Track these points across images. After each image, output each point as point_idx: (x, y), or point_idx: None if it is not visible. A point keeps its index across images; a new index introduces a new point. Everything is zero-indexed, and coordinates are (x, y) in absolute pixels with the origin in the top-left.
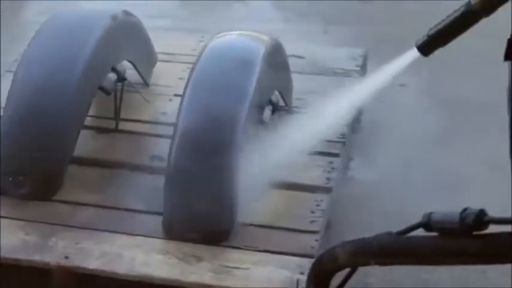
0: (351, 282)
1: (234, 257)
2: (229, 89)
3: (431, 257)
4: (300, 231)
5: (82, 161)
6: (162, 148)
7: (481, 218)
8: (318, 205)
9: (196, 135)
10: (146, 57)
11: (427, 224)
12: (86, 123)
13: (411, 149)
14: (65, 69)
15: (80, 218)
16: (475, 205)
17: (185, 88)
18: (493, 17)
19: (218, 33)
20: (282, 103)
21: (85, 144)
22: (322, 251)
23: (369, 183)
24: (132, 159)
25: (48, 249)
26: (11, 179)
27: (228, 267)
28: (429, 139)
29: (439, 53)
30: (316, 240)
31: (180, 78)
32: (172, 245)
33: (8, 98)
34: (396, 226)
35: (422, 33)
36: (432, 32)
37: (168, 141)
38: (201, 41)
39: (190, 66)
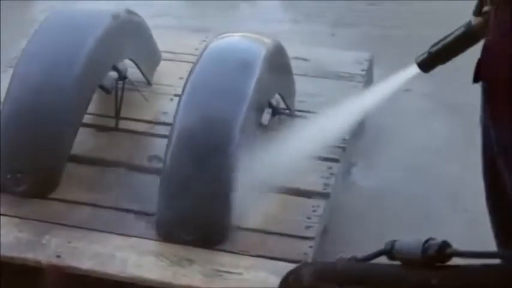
0: None
1: (226, 261)
2: (228, 90)
3: (392, 286)
4: (294, 236)
5: (80, 159)
6: (161, 148)
7: (443, 250)
8: (314, 211)
9: (193, 137)
10: (149, 56)
11: (390, 252)
12: (86, 121)
13: (415, 155)
14: (64, 67)
15: (75, 217)
16: (478, 215)
17: (183, 89)
18: None
19: (219, 34)
20: (283, 106)
21: (85, 142)
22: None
23: (370, 189)
24: (130, 159)
25: (40, 247)
26: (9, 176)
27: (220, 271)
28: (434, 146)
29: None
30: (311, 247)
31: (182, 78)
32: (166, 247)
33: (6, 95)
34: (394, 235)
35: (430, 36)
36: (433, 49)
37: None
38: (204, 41)
39: None
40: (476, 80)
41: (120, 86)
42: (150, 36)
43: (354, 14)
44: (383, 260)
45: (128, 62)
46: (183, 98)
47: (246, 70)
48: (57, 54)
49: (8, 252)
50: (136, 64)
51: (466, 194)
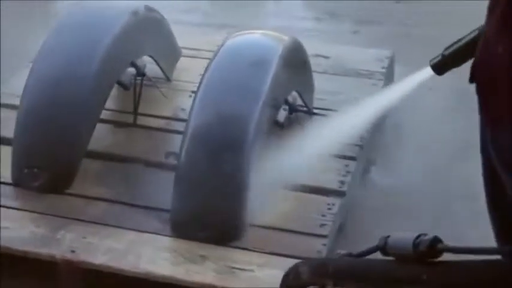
0: None
1: (239, 258)
2: (243, 87)
3: (384, 282)
4: (308, 234)
5: (98, 155)
6: (179, 145)
7: (434, 246)
8: (329, 209)
9: (207, 133)
10: (168, 53)
11: (383, 248)
12: (104, 117)
13: (435, 155)
14: (82, 63)
15: (91, 212)
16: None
17: (199, 85)
18: None
19: (238, 31)
20: (301, 103)
21: (102, 138)
22: (290, 267)
23: (388, 188)
24: (147, 155)
25: (55, 242)
26: (26, 171)
27: (232, 268)
28: (455, 146)
29: None
30: (324, 245)
31: (201, 75)
32: (180, 244)
33: (24, 90)
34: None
35: (453, 35)
36: (447, 52)
37: None
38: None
39: None
40: (472, 80)
41: (138, 82)
42: (170, 33)
43: (377, 12)
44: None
45: (147, 59)
46: (199, 94)
47: (261, 67)
48: (75, 50)
49: (22, 247)
50: (155, 60)
51: (483, 194)
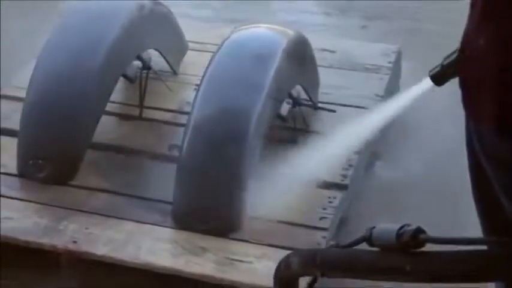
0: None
1: (239, 249)
2: (245, 80)
3: (369, 272)
4: (308, 227)
5: (103, 147)
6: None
7: (416, 237)
8: (330, 202)
9: (209, 126)
10: (175, 47)
11: (369, 239)
12: (111, 110)
13: (441, 151)
14: (87, 56)
15: (94, 203)
16: None
17: (202, 78)
18: None
19: (243, 25)
20: (305, 97)
21: (108, 130)
22: (282, 258)
23: (392, 183)
24: (151, 148)
25: (57, 233)
26: (30, 162)
27: (232, 259)
28: (458, 142)
29: None
30: (324, 237)
31: None
32: (180, 235)
33: (30, 83)
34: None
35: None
36: (445, 62)
37: None
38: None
39: None
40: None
41: (144, 75)
42: (177, 27)
43: (388, 8)
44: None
45: (153, 52)
46: (201, 87)
47: (264, 61)
48: (81, 43)
49: (25, 237)
50: (161, 54)
51: None
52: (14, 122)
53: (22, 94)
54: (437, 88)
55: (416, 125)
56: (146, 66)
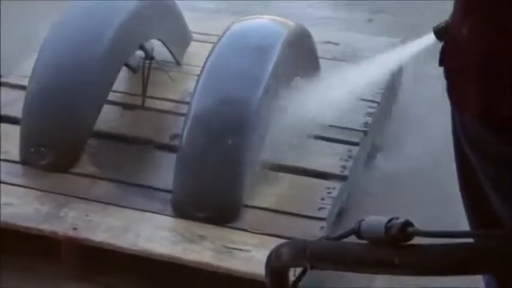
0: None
1: (237, 238)
2: (244, 72)
3: (358, 265)
4: (306, 217)
5: (105, 136)
6: None
7: (405, 230)
8: (329, 192)
9: (209, 116)
10: (178, 37)
11: (357, 231)
12: (114, 99)
13: (442, 143)
14: (89, 46)
15: (94, 191)
16: None
17: (202, 68)
18: None
19: (244, 17)
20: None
21: (110, 119)
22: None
23: (393, 174)
24: (153, 137)
25: (58, 219)
26: (32, 150)
27: (229, 248)
28: None
29: None
30: (322, 227)
31: None
32: (179, 223)
33: (33, 71)
34: (415, 221)
35: None
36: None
37: None
38: None
39: None
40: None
41: (146, 65)
42: (180, 18)
43: (394, 3)
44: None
45: (158, 43)
46: (201, 77)
47: (264, 52)
48: (83, 32)
49: (26, 223)
50: (164, 44)
51: None
52: (16, 109)
53: (25, 82)
54: (440, 80)
55: (418, 116)
56: (149, 56)
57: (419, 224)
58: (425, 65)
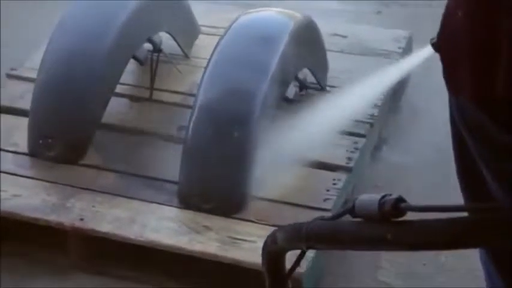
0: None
1: (242, 229)
2: (251, 63)
3: (353, 243)
4: (311, 208)
5: (113, 128)
6: None
7: (397, 205)
8: (334, 184)
9: (214, 107)
10: (186, 30)
11: (352, 210)
12: (122, 91)
13: (447, 135)
14: (97, 38)
15: (101, 182)
16: None
17: (209, 60)
18: None
19: (251, 9)
20: (313, 81)
21: (118, 111)
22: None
23: (399, 166)
24: (160, 129)
25: (65, 210)
26: (40, 141)
27: (234, 238)
28: None
29: None
30: None
31: None
32: (185, 214)
33: (41, 64)
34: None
35: None
36: None
37: None
38: None
39: None
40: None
41: (154, 58)
42: (188, 10)
43: None
44: None
45: (165, 35)
46: (208, 69)
47: (270, 44)
48: (91, 25)
49: (33, 214)
50: (173, 37)
51: None
52: (28, 102)
53: (35, 75)
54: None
55: (424, 109)
56: (157, 49)
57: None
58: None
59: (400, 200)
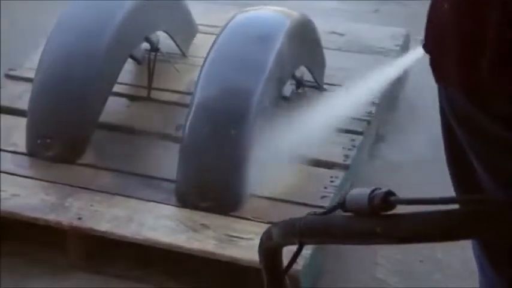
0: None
1: (239, 227)
2: (247, 61)
3: (343, 237)
4: (308, 205)
5: (111, 127)
6: None
7: (387, 199)
8: (332, 181)
9: (211, 106)
10: (184, 29)
11: (343, 204)
12: (119, 91)
13: None
14: (95, 37)
15: (100, 181)
16: None
17: (205, 59)
18: None
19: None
20: (310, 79)
21: (116, 111)
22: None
23: (396, 164)
24: (159, 128)
25: (63, 209)
26: (39, 141)
27: (232, 236)
28: None
29: None
30: None
31: None
32: (183, 213)
33: (39, 63)
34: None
35: None
36: None
37: None
38: None
39: None
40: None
41: (152, 57)
42: (186, 9)
43: None
44: None
45: (163, 35)
46: (204, 67)
47: (266, 42)
48: (89, 24)
49: (32, 214)
50: (170, 36)
51: None
52: (26, 102)
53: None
54: None
55: (422, 107)
56: (154, 48)
57: None
58: None
59: (390, 193)
